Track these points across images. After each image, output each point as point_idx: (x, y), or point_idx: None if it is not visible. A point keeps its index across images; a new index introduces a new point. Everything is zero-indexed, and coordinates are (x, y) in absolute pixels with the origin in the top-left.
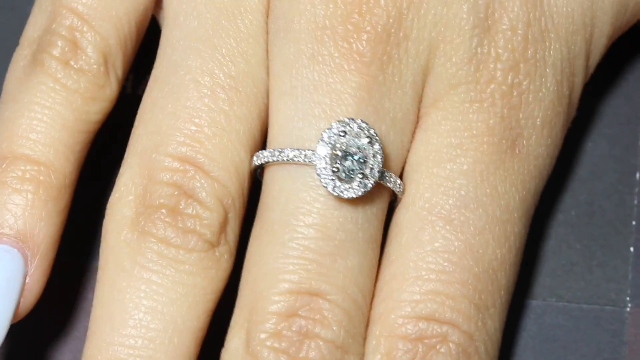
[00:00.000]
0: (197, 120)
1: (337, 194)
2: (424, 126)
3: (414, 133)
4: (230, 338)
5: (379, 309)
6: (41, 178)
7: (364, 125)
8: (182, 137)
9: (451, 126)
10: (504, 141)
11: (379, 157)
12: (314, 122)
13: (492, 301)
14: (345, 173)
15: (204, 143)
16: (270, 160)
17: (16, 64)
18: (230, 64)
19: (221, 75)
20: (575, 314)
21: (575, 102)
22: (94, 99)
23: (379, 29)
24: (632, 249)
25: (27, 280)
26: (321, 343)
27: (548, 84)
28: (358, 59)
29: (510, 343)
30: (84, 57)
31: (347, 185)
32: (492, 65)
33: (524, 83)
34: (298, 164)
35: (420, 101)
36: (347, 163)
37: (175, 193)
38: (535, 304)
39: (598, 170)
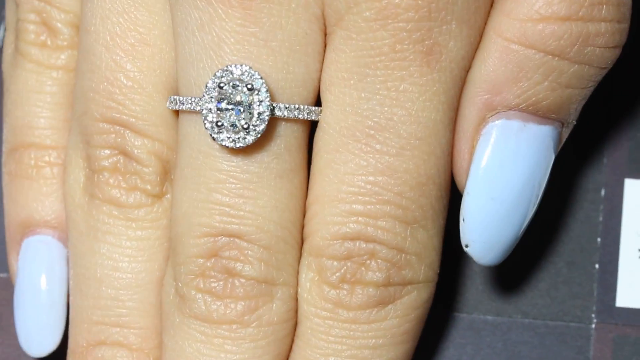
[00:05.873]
0: (113, 81)
1: (228, 146)
2: (332, 46)
3: (324, 53)
4: (166, 273)
5: (306, 229)
6: (52, 160)
7: (246, 69)
8: (103, 100)
9: (356, 45)
10: (417, 54)
11: (266, 101)
12: (206, 65)
13: (422, 213)
14: (231, 123)
15: (125, 103)
16: (174, 108)
17: (6, 52)
18: (135, 18)
19: (129, 33)
20: (540, 331)
21: None
22: None
23: None
24: (597, 265)
25: None
26: (244, 280)
27: None
28: None
29: None
30: (57, 35)
31: (235, 136)
32: None
33: None
34: (194, 112)
35: (323, 22)
36: (231, 114)
37: (113, 154)
38: (501, 320)
39: (563, 187)
